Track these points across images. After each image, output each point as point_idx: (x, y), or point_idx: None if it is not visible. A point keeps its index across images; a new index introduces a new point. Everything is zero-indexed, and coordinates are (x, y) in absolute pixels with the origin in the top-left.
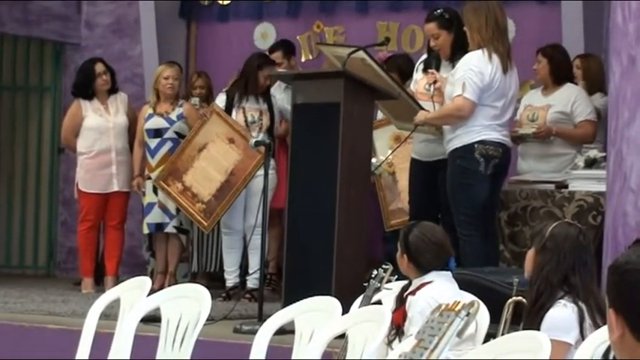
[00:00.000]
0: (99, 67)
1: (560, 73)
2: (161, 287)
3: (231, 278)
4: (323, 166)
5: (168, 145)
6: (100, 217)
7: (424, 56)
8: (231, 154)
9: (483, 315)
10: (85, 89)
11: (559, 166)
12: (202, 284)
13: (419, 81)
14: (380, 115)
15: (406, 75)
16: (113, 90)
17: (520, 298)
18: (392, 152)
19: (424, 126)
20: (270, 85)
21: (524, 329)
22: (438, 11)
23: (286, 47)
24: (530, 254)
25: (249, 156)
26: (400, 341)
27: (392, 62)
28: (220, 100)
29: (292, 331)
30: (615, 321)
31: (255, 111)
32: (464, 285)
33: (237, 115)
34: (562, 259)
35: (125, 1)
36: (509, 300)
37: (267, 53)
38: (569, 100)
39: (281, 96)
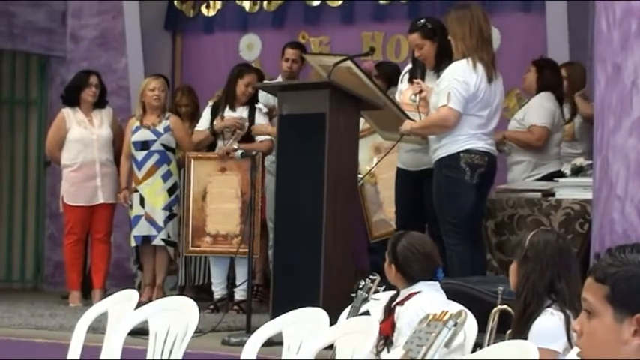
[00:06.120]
0: (92, 79)
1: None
2: (149, 300)
3: (218, 290)
4: (309, 177)
5: (155, 158)
6: (85, 230)
7: (409, 66)
8: (230, 180)
9: (471, 325)
10: (73, 95)
11: (518, 175)
12: (190, 296)
13: (404, 91)
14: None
15: (393, 83)
16: (100, 104)
17: (505, 306)
18: (378, 162)
19: (410, 136)
20: (255, 95)
21: (512, 339)
22: (421, 21)
23: (302, 48)
24: (513, 267)
25: (245, 170)
26: (389, 352)
27: (381, 69)
28: (206, 112)
29: (280, 343)
30: None
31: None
32: (451, 294)
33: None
34: (545, 266)
35: (110, 14)
36: (494, 309)
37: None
38: (526, 107)
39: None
